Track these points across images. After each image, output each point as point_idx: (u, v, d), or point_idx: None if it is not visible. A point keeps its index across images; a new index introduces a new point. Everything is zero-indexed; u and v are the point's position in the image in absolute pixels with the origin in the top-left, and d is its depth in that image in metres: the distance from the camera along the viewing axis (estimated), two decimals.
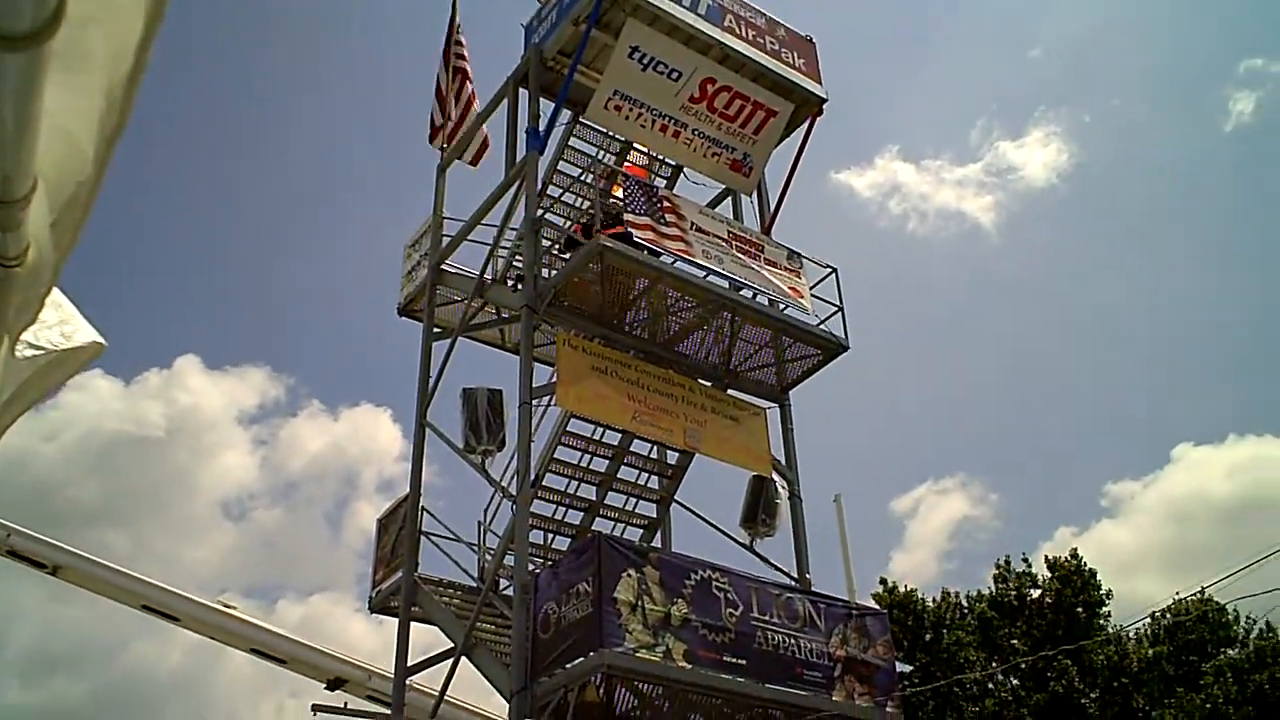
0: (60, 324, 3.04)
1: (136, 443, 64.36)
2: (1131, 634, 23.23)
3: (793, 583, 12.74)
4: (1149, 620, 23.19)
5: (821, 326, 13.72)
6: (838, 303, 13.89)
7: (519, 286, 13.38)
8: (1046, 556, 24.39)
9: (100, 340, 3.12)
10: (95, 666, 58.77)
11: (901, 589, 24.10)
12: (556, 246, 13.75)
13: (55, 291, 3.13)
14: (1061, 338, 75.44)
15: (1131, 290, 71.23)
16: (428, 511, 14.16)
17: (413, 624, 13.66)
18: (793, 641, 11.35)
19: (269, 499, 79.24)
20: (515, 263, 13.93)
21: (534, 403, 12.48)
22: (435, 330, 15.03)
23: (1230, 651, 22.81)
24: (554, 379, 12.47)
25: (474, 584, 13.78)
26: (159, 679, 62.07)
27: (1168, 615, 23.04)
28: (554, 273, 12.90)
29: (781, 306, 13.49)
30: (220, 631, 17.69)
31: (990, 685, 23.25)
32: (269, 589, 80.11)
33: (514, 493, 12.23)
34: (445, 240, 15.43)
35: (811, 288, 13.85)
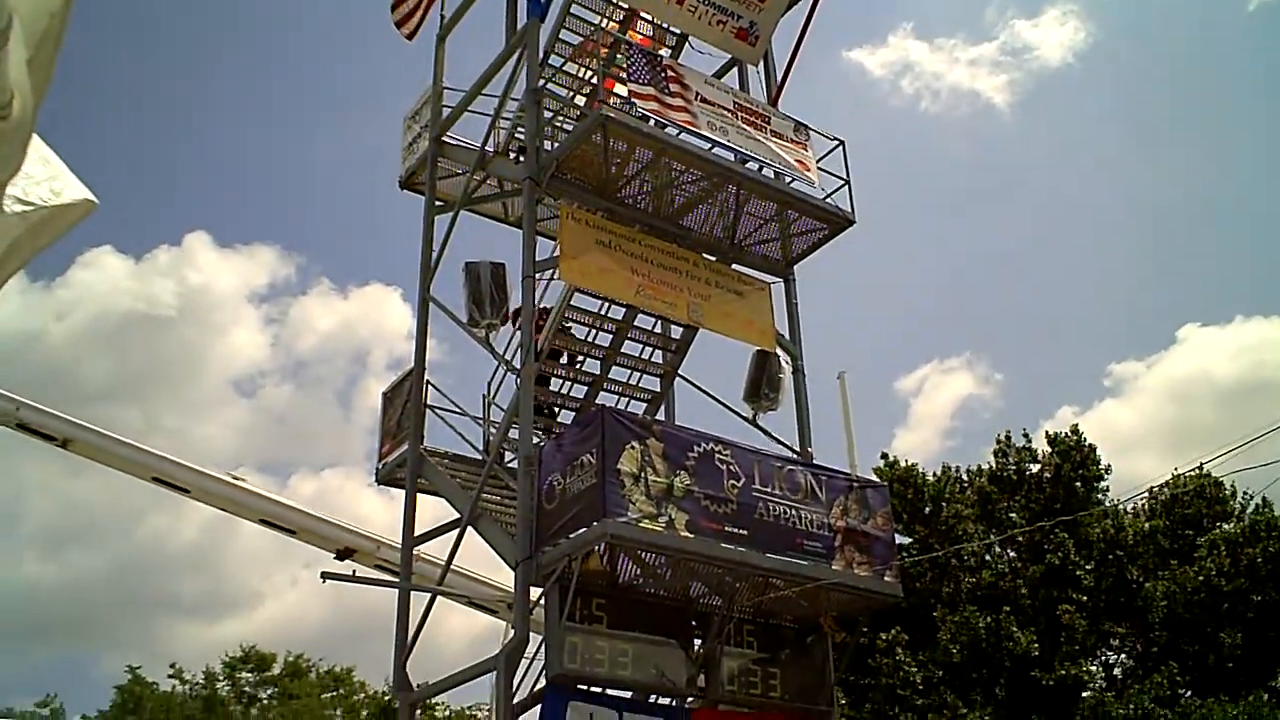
0: (49, 180, 2.97)
1: (147, 321, 64.61)
2: (1129, 509, 23.57)
3: (795, 456, 12.86)
4: (1146, 496, 23.52)
5: (828, 200, 13.57)
6: (845, 176, 13.72)
7: (521, 159, 13.19)
8: (1047, 432, 24.61)
9: (91, 198, 3.06)
10: (111, 540, 60.07)
11: (903, 464, 24.37)
12: (559, 118, 13.53)
13: (43, 147, 3.06)
14: (1072, 218, 74.76)
15: (1144, 170, 70.33)
16: (432, 385, 14.24)
17: (420, 496, 13.86)
18: (794, 513, 11.49)
19: (280, 377, 79.84)
20: (517, 135, 13.72)
21: (537, 276, 12.43)
22: (437, 204, 14.88)
23: (1225, 526, 23.15)
24: (557, 253, 12.38)
25: (479, 457, 13.92)
26: (174, 552, 63.45)
27: (1165, 490, 23.33)
28: (556, 145, 12.72)
29: (788, 179, 13.31)
30: (230, 503, 17.99)
31: (987, 557, 23.67)
32: (281, 465, 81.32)
33: (518, 366, 12.28)
34: (445, 111, 15.17)
35: (818, 161, 13.66)
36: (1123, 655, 23.26)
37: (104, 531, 60.15)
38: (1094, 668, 22.60)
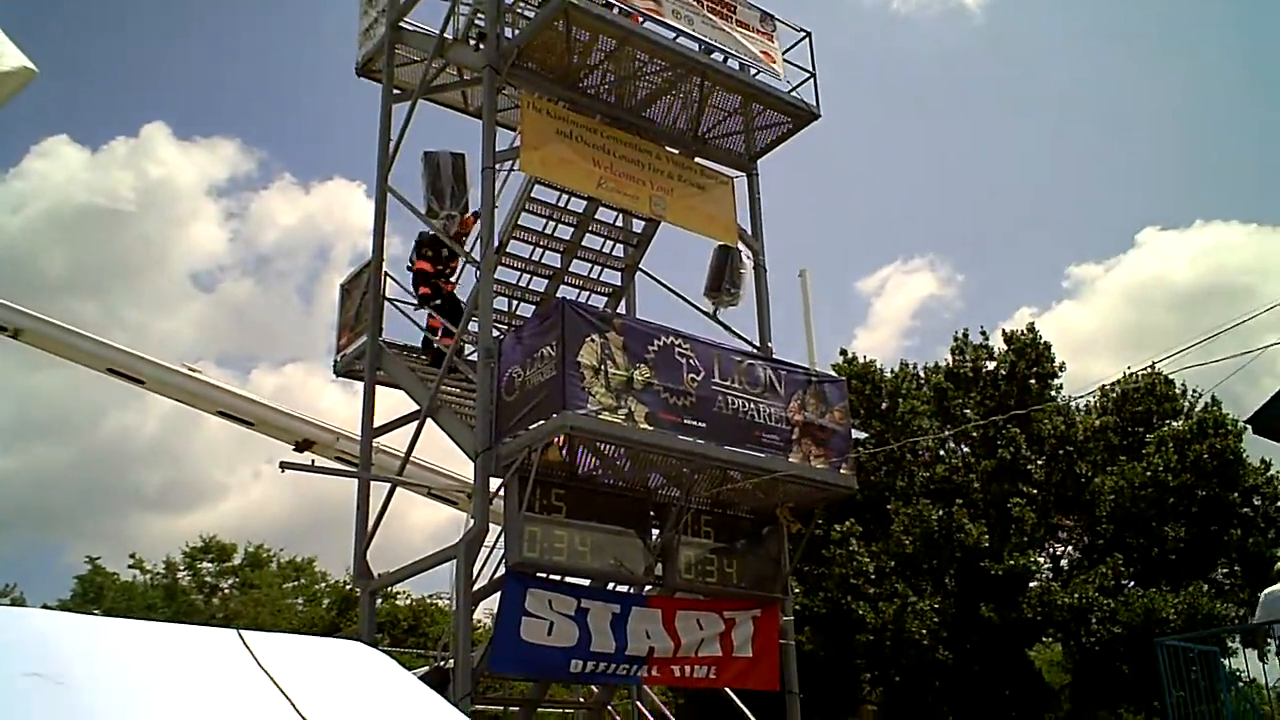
0: None
1: (105, 215, 63.27)
2: (1080, 405, 24.00)
3: (754, 351, 12.92)
4: (1098, 393, 23.93)
5: (793, 94, 13.41)
6: (811, 69, 13.54)
7: (481, 46, 12.89)
8: (1003, 330, 24.92)
9: (30, 66, 2.95)
10: (75, 434, 59.70)
11: (861, 360, 24.60)
12: (520, 4, 13.19)
13: None
14: (1037, 121, 74.53)
15: (1110, 73, 69.98)
16: (391, 277, 14.10)
17: (380, 389, 13.84)
18: (752, 406, 11.59)
19: (240, 272, 78.85)
20: (477, 20, 13.37)
21: (497, 167, 12.25)
22: (395, 92, 14.55)
23: (1174, 423, 23.64)
24: (518, 143, 12.20)
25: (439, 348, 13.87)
26: (137, 446, 63.23)
27: (1116, 388, 23.73)
28: (518, 32, 12.42)
29: (753, 71, 13.13)
30: (186, 394, 17.82)
31: (941, 452, 24.08)
32: (242, 360, 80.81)
33: (478, 258, 12.17)
34: None
35: (785, 53, 13.46)
36: (1070, 547, 23.92)
37: (67, 426, 59.79)
38: (1041, 559, 23.24)
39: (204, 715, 4.96)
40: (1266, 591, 12.87)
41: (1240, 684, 16.52)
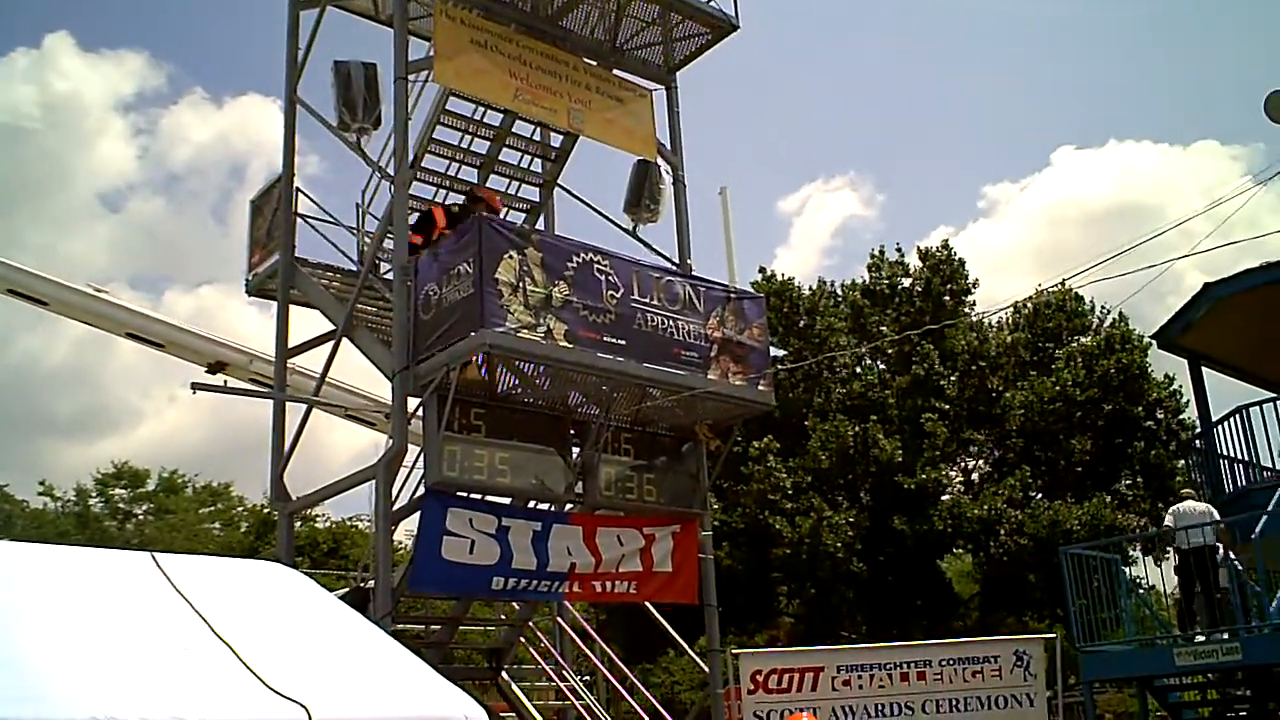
0: None
1: (6, 131, 60.59)
2: (993, 322, 24.45)
3: (673, 268, 12.88)
4: (1011, 310, 24.37)
5: (712, 4, 13.21)
6: None
7: None
8: (918, 247, 25.18)
9: None
10: None
11: (780, 278, 24.72)
12: None
13: None
14: (956, 40, 74.72)
15: None
16: (303, 193, 13.73)
17: (295, 311, 13.55)
18: (671, 323, 11.57)
19: (150, 191, 76.46)
20: None
21: (410, 78, 11.91)
22: None
23: (1083, 339, 24.20)
24: (431, 53, 11.87)
25: (354, 268, 13.59)
26: (48, 371, 61.50)
27: (1028, 305, 24.18)
28: None
29: None
30: (93, 316, 17.32)
31: (858, 369, 24.42)
32: (155, 281, 78.78)
33: (392, 173, 11.89)
34: None
35: None
36: (980, 461, 24.51)
37: None
38: (953, 473, 23.81)
39: (118, 638, 4.87)
40: (1175, 508, 13.35)
41: (1140, 590, 17.16)
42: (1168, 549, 19.99)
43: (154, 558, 5.91)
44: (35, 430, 59.87)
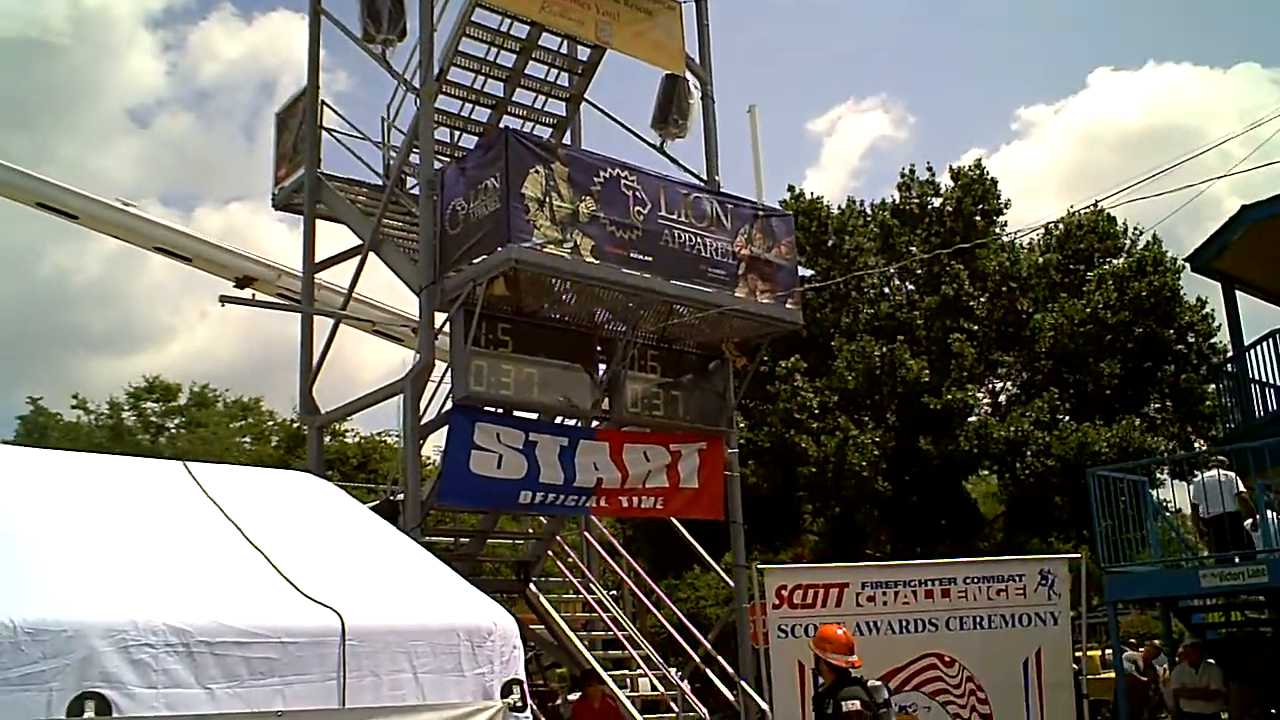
0: None
1: (37, 46, 60.29)
2: (1024, 243, 24.13)
3: (701, 184, 12.74)
4: (1042, 231, 24.04)
5: None
6: None
7: None
8: (950, 166, 24.77)
9: None
10: (12, 275, 58.23)
11: (808, 196, 24.44)
12: None
13: None
14: None
15: None
16: (329, 106, 13.64)
17: (323, 228, 13.58)
18: (698, 240, 11.48)
19: (179, 106, 76.11)
20: None
21: None
22: None
23: (1115, 261, 23.88)
24: None
25: (380, 182, 13.53)
26: (80, 287, 61.95)
27: (1060, 226, 23.84)
28: None
29: None
30: (121, 230, 17.31)
31: (886, 289, 24.23)
32: (184, 198, 78.84)
33: (417, 86, 11.77)
34: None
35: None
36: (1008, 383, 24.37)
37: (4, 267, 58.29)
38: (980, 394, 23.70)
39: (154, 544, 4.94)
40: (1200, 478, 13.29)
41: (1167, 513, 17.13)
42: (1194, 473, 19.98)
43: (187, 467, 5.98)
44: (68, 346, 60.52)
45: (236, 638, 4.20)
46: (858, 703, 7.44)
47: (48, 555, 4.41)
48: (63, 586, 4.14)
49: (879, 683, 7.75)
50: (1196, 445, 22.16)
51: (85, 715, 3.80)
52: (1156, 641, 15.92)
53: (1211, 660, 13.03)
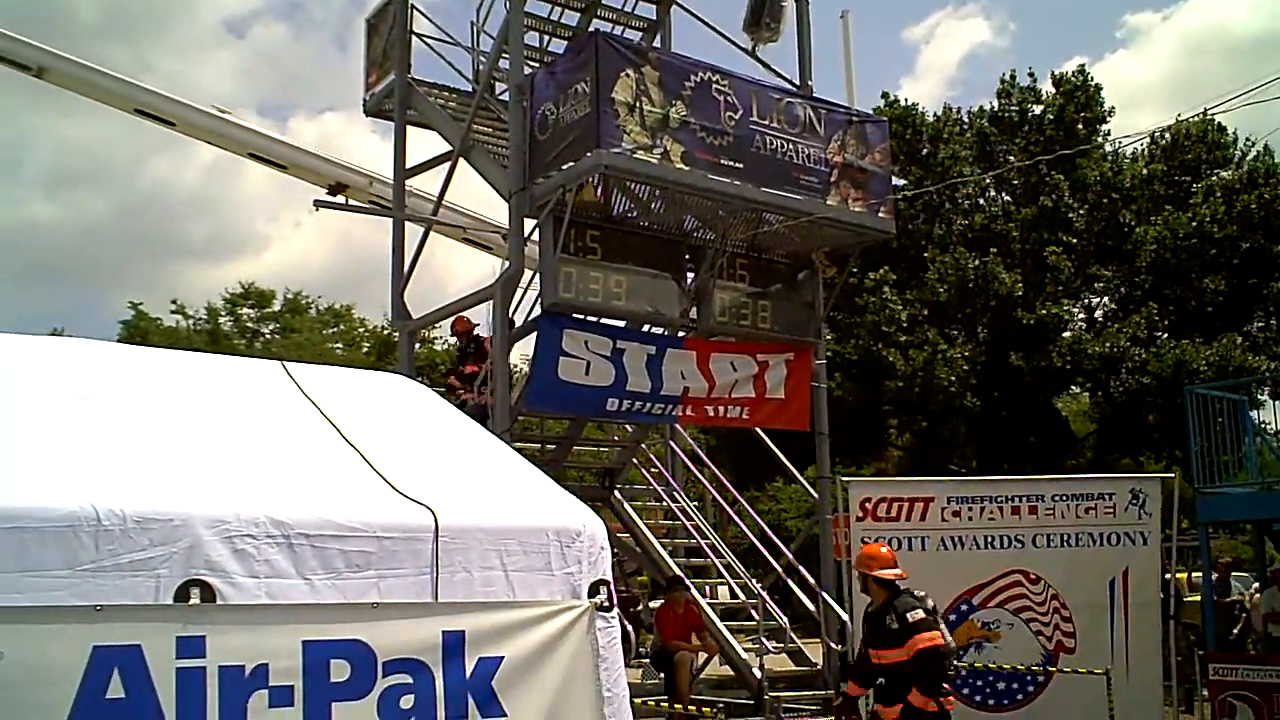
0: None
1: None
2: (1128, 153, 23.28)
3: (794, 89, 12.47)
4: (1147, 140, 23.14)
5: None
6: None
7: None
8: (1052, 73, 23.86)
9: None
10: (115, 183, 59.77)
11: (903, 103, 23.80)
12: None
13: None
14: None
15: None
16: (418, 10, 13.59)
17: (414, 136, 13.64)
18: (790, 146, 11.28)
19: (273, 17, 76.65)
20: None
21: None
22: None
23: (1223, 173, 22.95)
24: None
25: (470, 88, 13.49)
26: (179, 195, 63.32)
27: (1166, 136, 22.93)
28: None
29: None
30: (216, 136, 17.58)
31: (981, 201, 23.62)
32: (279, 108, 79.74)
33: None
34: None
35: None
36: (1105, 298, 23.73)
37: (107, 175, 59.80)
38: (1076, 309, 23.13)
39: (253, 440, 5.07)
40: None
41: (1266, 434, 16.67)
42: None
43: (284, 366, 6.09)
44: (168, 253, 62.12)
45: (335, 531, 4.30)
46: (920, 612, 7.42)
47: (153, 449, 4.54)
48: (168, 478, 4.27)
49: (924, 593, 7.67)
50: None
51: (191, 601, 3.94)
52: (1226, 560, 15.65)
53: None
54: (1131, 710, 11.27)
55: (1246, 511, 13.59)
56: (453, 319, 13.15)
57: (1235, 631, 13.85)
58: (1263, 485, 13.85)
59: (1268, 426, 17.82)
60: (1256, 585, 14.53)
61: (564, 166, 10.52)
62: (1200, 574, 13.93)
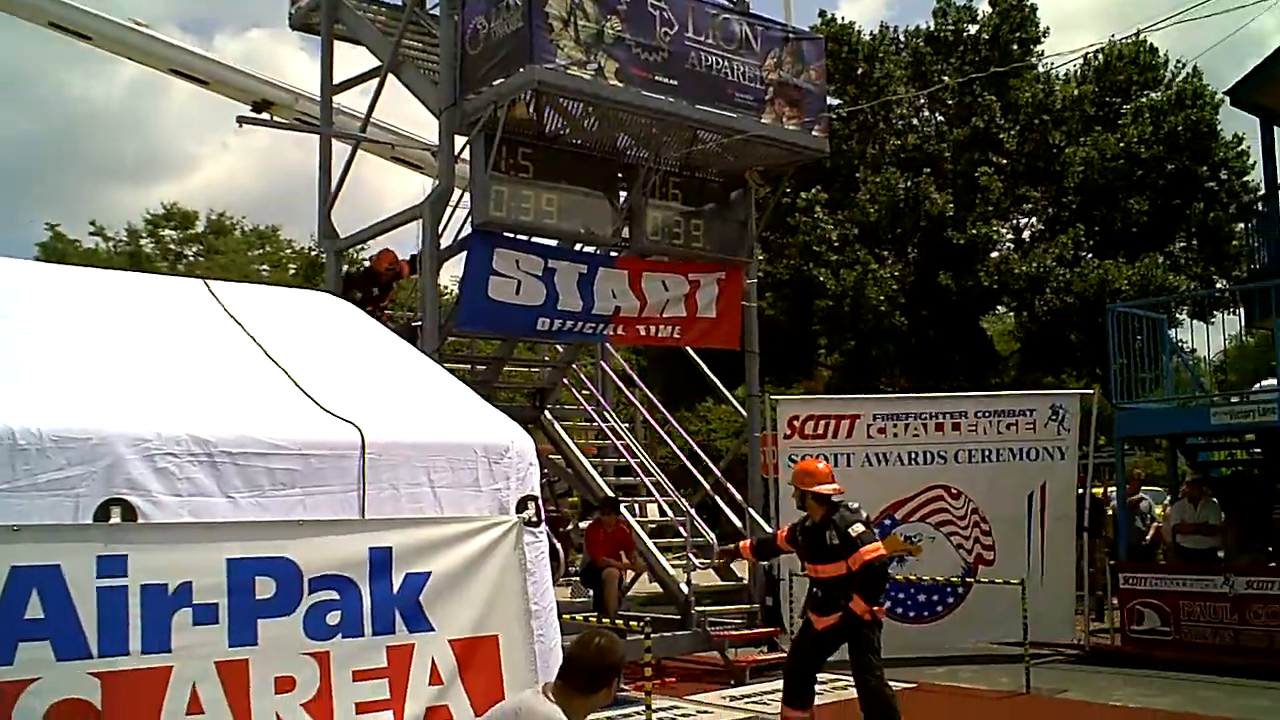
0: None
1: None
2: (1060, 74, 23.39)
3: (730, 4, 12.33)
4: (1080, 61, 23.25)
5: None
6: None
7: None
8: None
9: None
10: (36, 102, 57.49)
11: (839, 19, 23.65)
12: None
13: None
14: None
15: None
16: None
17: (341, 51, 13.30)
18: (726, 63, 11.19)
19: None
20: None
21: None
22: None
23: (1153, 94, 23.18)
24: None
25: (399, 2, 13.18)
26: (103, 115, 61.16)
27: (1100, 56, 23.06)
28: None
29: None
30: (136, 51, 16.98)
31: (915, 121, 23.67)
32: (203, 24, 77.03)
33: None
34: None
35: None
36: (1033, 219, 24.02)
37: (27, 93, 57.51)
38: (1004, 229, 23.40)
39: (175, 358, 4.99)
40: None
41: (1183, 353, 17.11)
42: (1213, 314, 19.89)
43: (207, 284, 5.98)
44: (89, 174, 60.25)
45: (258, 449, 4.28)
46: (860, 525, 7.55)
47: (71, 367, 4.46)
48: (87, 397, 4.20)
49: (857, 504, 7.80)
50: (1218, 284, 21.97)
51: (112, 520, 3.91)
52: (1140, 474, 16.17)
53: (1215, 499, 13.23)
54: (1045, 618, 11.71)
55: (1162, 427, 14.00)
56: (379, 253, 12.69)
57: (1146, 540, 14.36)
58: (1178, 402, 14.28)
59: (1185, 345, 18.30)
60: (1169, 499, 15.03)
61: (496, 82, 10.36)
62: (1115, 489, 14.36)
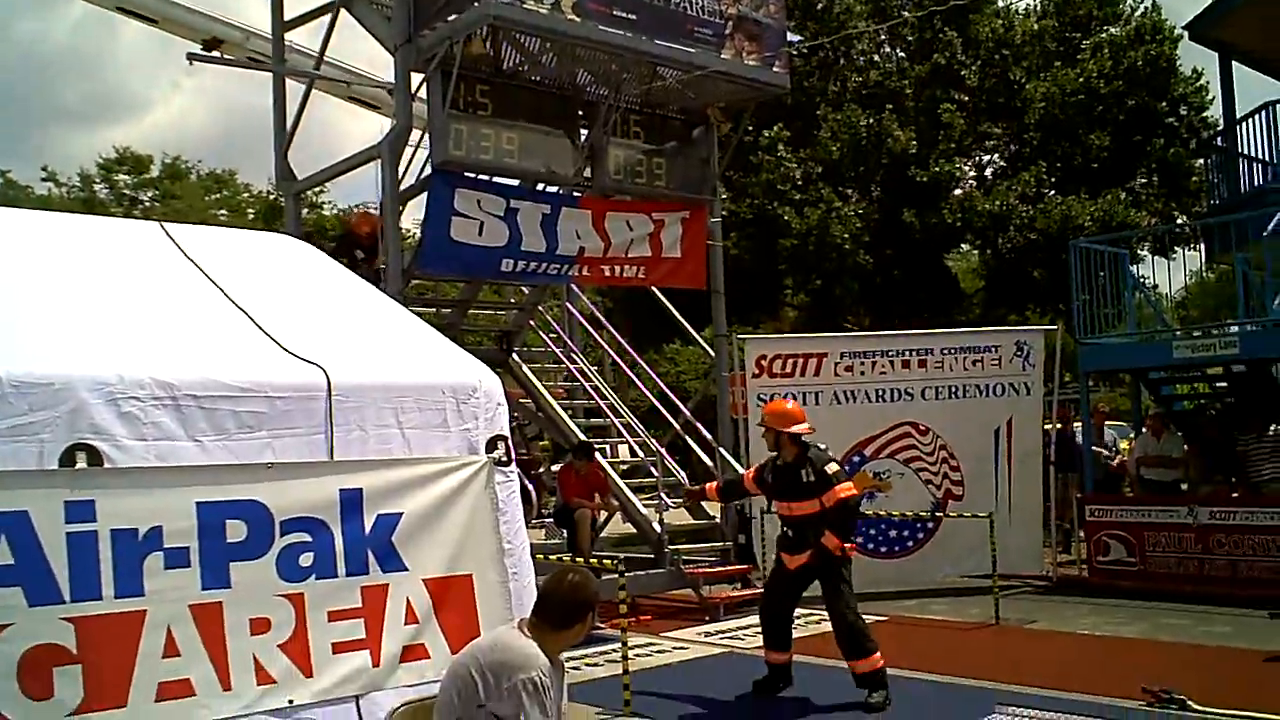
0: None
1: None
2: (1021, 9, 23.32)
3: None
4: None
5: None
6: None
7: None
8: None
9: None
10: None
11: None
12: None
13: None
14: None
15: None
16: None
17: None
18: None
19: None
20: None
21: None
22: None
23: (1113, 29, 23.17)
24: None
25: None
26: (51, 55, 59.61)
27: None
28: None
29: None
30: None
31: (875, 58, 23.54)
32: None
33: None
34: None
35: None
36: (996, 155, 24.05)
37: None
38: (967, 166, 23.43)
39: (133, 302, 4.88)
40: None
41: (1145, 288, 17.26)
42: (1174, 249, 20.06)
43: (163, 227, 5.84)
44: (41, 117, 58.90)
45: (224, 392, 4.21)
46: (834, 464, 7.64)
47: (29, 312, 4.35)
48: (47, 341, 4.10)
49: (825, 445, 7.91)
50: (1179, 220, 22.14)
51: (78, 465, 3.83)
52: (1104, 408, 16.36)
53: (1179, 432, 13.41)
54: (1014, 552, 11.89)
55: (1124, 360, 14.14)
56: (358, 218, 12.35)
57: (1112, 465, 14.58)
58: (1141, 337, 14.42)
59: (1147, 280, 18.45)
60: (1132, 434, 15.22)
61: (451, 18, 10.16)
62: (1080, 423, 14.52)
